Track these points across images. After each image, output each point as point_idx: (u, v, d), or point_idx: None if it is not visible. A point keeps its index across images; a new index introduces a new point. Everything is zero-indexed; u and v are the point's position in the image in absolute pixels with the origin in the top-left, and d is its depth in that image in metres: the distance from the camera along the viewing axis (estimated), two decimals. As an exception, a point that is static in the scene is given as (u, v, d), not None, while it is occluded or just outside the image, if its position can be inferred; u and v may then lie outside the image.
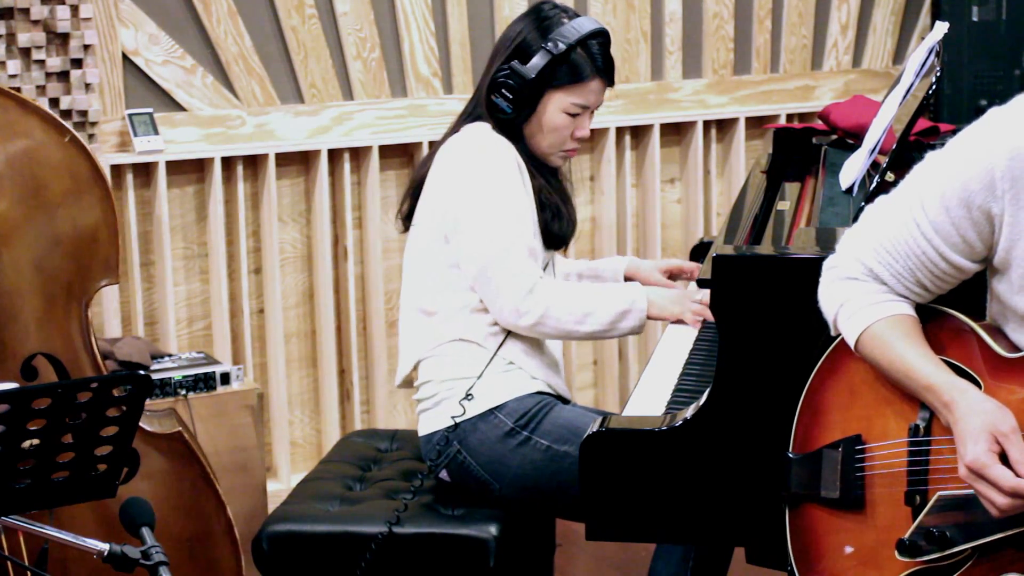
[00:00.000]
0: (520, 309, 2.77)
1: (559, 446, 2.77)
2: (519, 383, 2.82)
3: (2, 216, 2.83)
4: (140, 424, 2.93)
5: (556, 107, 2.85)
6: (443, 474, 2.85)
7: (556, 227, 2.88)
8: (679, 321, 2.92)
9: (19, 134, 2.86)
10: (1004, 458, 1.96)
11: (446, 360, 2.84)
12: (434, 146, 2.95)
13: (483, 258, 2.78)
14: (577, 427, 2.73)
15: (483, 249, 2.78)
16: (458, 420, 2.79)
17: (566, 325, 2.79)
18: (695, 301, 2.90)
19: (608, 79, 2.89)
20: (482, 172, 2.80)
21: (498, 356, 2.82)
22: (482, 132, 2.86)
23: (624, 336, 2.90)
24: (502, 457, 2.79)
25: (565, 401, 2.92)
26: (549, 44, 2.81)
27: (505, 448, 2.79)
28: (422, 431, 2.88)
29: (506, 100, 2.83)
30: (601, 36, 2.87)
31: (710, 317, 2.88)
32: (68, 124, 2.98)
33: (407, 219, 2.95)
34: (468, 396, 2.79)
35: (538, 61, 2.81)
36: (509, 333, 2.83)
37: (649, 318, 2.86)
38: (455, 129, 2.92)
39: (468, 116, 2.92)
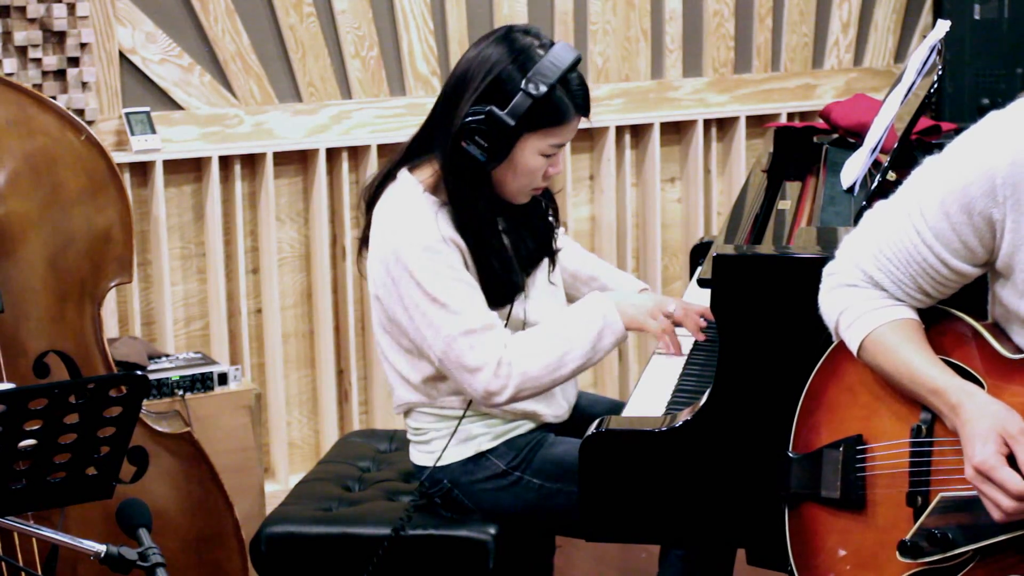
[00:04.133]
0: (491, 389, 2.61)
1: (551, 484, 2.73)
2: (504, 426, 2.77)
3: (18, 213, 2.83)
4: (150, 424, 2.94)
5: (532, 150, 2.62)
6: (436, 499, 2.83)
7: (504, 277, 2.67)
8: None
9: (36, 132, 2.86)
10: (1011, 461, 1.95)
11: (433, 416, 2.78)
12: (375, 180, 2.74)
13: (438, 350, 2.62)
14: (568, 463, 2.68)
15: (435, 343, 2.62)
16: (444, 463, 2.76)
17: (545, 379, 2.63)
18: (665, 314, 2.78)
19: (587, 113, 2.67)
20: (411, 268, 2.60)
21: (474, 408, 2.73)
22: (410, 205, 2.64)
23: (610, 351, 2.71)
24: (494, 497, 2.76)
25: (561, 426, 2.86)
26: (530, 86, 2.56)
27: (497, 488, 2.76)
28: (413, 459, 2.85)
29: (479, 148, 2.58)
30: (577, 64, 2.63)
31: (675, 338, 2.82)
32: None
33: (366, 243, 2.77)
34: (434, 466, 2.75)
35: (519, 105, 2.56)
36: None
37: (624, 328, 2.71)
38: (395, 167, 2.72)
39: (414, 153, 2.71)
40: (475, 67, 2.63)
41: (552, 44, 2.64)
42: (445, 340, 2.61)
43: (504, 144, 2.59)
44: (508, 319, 2.72)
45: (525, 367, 2.62)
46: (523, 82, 2.57)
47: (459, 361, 2.62)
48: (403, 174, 2.71)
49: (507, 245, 2.73)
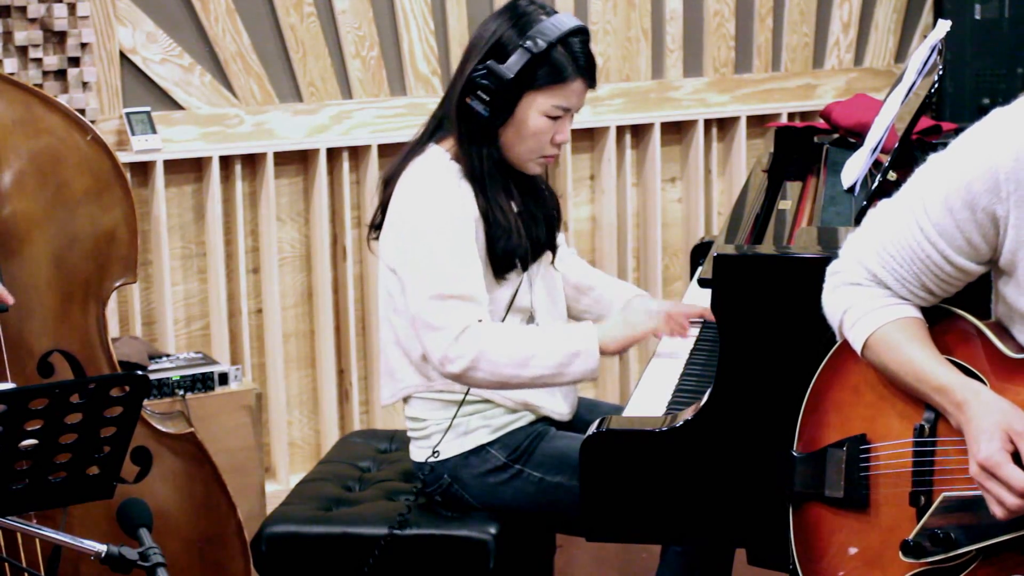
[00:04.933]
0: (449, 355, 2.59)
1: (552, 477, 2.74)
2: (505, 417, 2.77)
3: (23, 213, 2.83)
4: (154, 425, 2.93)
5: (536, 110, 2.67)
6: (436, 496, 2.83)
7: (502, 246, 2.69)
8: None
9: (42, 132, 2.86)
10: (1016, 459, 1.95)
11: (433, 403, 2.79)
12: (399, 159, 2.78)
13: (414, 306, 2.65)
14: (569, 456, 2.69)
15: (412, 299, 2.65)
16: (444, 457, 2.76)
17: (504, 370, 2.60)
18: (663, 311, 2.79)
19: (590, 80, 2.73)
20: (424, 218, 2.65)
21: (475, 395, 2.74)
22: (438, 164, 2.71)
23: (577, 382, 2.71)
24: (494, 490, 2.76)
25: (561, 422, 2.86)
26: (528, 42, 2.63)
27: (497, 481, 2.76)
28: (412, 456, 2.85)
29: (482, 103, 2.65)
30: (582, 33, 2.71)
31: (684, 325, 2.83)
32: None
33: (378, 228, 2.80)
34: (435, 453, 2.75)
35: (516, 60, 2.63)
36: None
37: (608, 354, 2.69)
38: (420, 144, 2.77)
39: (435, 129, 2.77)
40: (480, 35, 2.73)
41: (556, 12, 2.71)
42: (424, 296, 2.62)
43: (505, 99, 2.65)
44: (513, 300, 2.75)
45: (487, 346, 2.60)
46: (523, 40, 2.64)
47: (427, 319, 2.62)
48: (431, 146, 2.75)
49: (519, 222, 2.75)
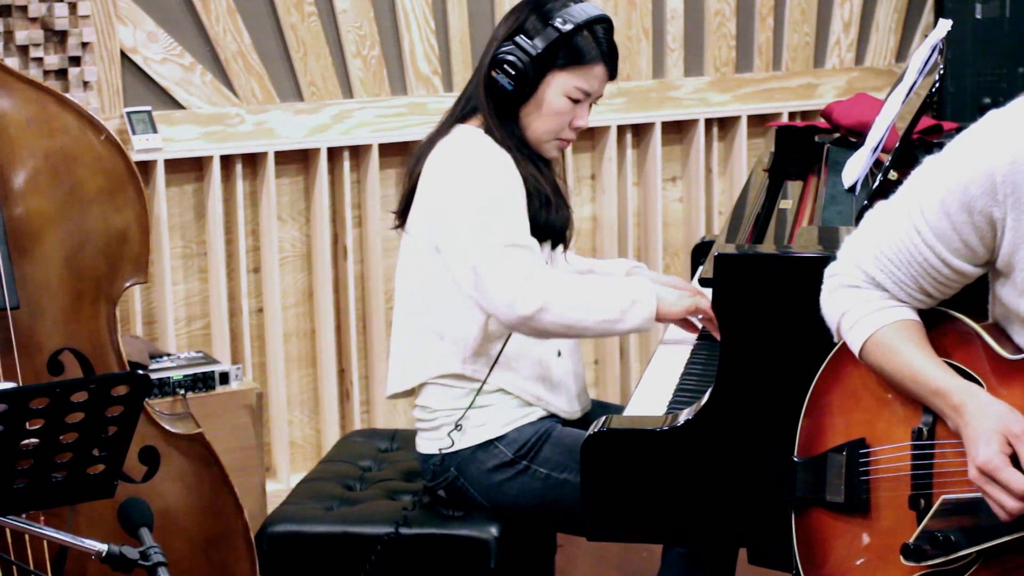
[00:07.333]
0: (517, 296, 2.63)
1: (558, 474, 2.74)
2: (514, 412, 2.78)
3: (36, 212, 2.83)
4: (163, 425, 2.94)
5: (558, 89, 2.76)
6: (440, 491, 2.83)
7: (543, 217, 2.76)
8: (685, 323, 2.82)
9: (56, 131, 2.86)
10: (1015, 461, 1.95)
11: (450, 391, 2.79)
12: (423, 144, 2.84)
13: (474, 256, 2.67)
14: (575, 453, 2.67)
15: (474, 247, 2.67)
16: (452, 450, 2.76)
17: (572, 312, 2.64)
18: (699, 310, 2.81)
19: (612, 67, 2.81)
20: (471, 175, 2.71)
21: (490, 384, 2.76)
22: (472, 135, 2.77)
23: (632, 331, 2.76)
24: (501, 485, 2.77)
25: (571, 420, 2.87)
26: (557, 21, 2.72)
27: (503, 477, 2.77)
28: (420, 448, 2.86)
29: (508, 76, 2.74)
30: (607, 23, 2.80)
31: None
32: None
33: (403, 216, 2.84)
34: (458, 426, 2.76)
35: (543, 39, 2.73)
36: (497, 360, 2.75)
37: (659, 319, 2.72)
38: (445, 127, 2.82)
39: (460, 113, 2.83)
40: (504, 21, 2.81)
41: (581, 0, 2.80)
42: (486, 247, 2.66)
43: (530, 75, 2.73)
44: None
45: (556, 289, 2.65)
46: (550, 20, 2.73)
47: (493, 267, 2.65)
48: (457, 127, 2.81)
49: (547, 192, 2.80)
